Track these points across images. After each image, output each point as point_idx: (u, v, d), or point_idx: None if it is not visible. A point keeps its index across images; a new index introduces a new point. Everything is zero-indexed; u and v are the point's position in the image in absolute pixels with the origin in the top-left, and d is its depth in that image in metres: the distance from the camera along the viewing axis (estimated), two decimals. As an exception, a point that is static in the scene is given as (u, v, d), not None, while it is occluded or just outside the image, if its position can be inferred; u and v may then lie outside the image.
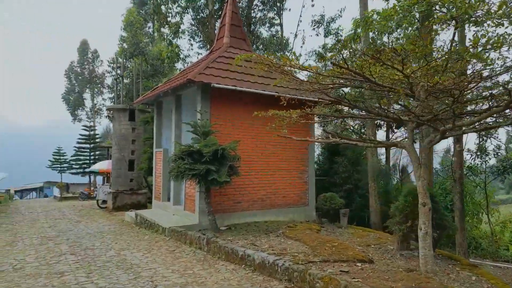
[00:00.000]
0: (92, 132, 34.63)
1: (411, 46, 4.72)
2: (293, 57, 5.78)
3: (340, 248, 6.60)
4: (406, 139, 7.10)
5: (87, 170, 22.10)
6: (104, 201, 17.79)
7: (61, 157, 35.40)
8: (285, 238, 8.33)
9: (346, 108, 8.35)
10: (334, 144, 14.20)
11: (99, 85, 45.63)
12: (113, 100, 18.07)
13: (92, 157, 34.56)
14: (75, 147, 34.73)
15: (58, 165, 35.10)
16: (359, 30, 12.05)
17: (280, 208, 11.22)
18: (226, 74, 10.14)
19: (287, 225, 10.22)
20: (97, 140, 35.72)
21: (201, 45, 17.84)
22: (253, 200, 10.71)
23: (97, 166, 19.87)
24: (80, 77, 44.99)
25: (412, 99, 6.07)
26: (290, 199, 11.49)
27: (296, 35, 17.01)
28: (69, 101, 44.26)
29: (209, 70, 9.86)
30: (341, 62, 5.03)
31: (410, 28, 12.43)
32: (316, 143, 14.69)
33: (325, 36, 16.00)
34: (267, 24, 18.33)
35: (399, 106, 7.09)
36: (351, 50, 5.49)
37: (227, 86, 9.70)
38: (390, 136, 16.35)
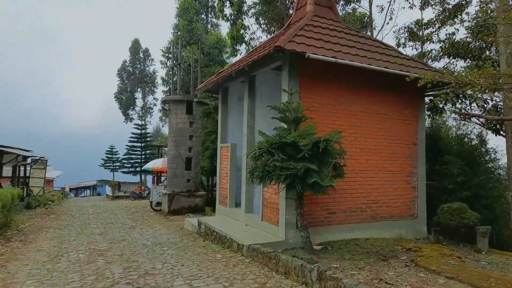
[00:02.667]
0: (143, 131, 34.04)
1: None
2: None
3: None
4: None
5: (142, 168, 20.79)
6: (158, 203, 16.12)
7: (114, 156, 35.08)
8: (424, 271, 5.73)
9: None
10: (439, 139, 11.32)
11: (150, 84, 45.38)
12: (167, 93, 16.45)
13: (143, 156, 33.93)
14: (127, 145, 34.30)
15: (111, 164, 34.79)
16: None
17: (383, 221, 8.59)
18: (320, 44, 7.72)
19: (401, 245, 7.61)
20: (148, 139, 35.10)
21: (266, 28, 15.58)
22: (351, 211, 8.18)
23: (151, 165, 18.35)
24: (132, 77, 44.96)
25: None
26: (396, 209, 8.81)
27: (382, 8, 14.20)
28: (121, 101, 44.31)
29: (299, 39, 7.49)
30: None
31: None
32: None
33: (422, 8, 13.02)
34: (341, 2, 15.69)
35: None
36: None
37: (326, 57, 7.26)
38: None
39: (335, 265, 6.05)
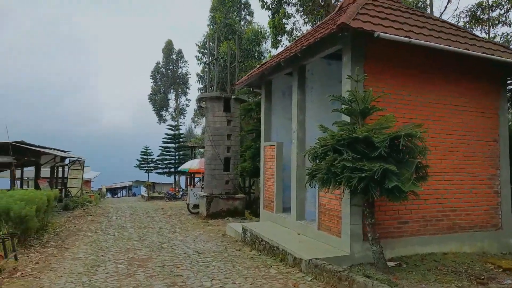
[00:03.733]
0: (176, 132, 33.87)
1: None
2: None
3: None
4: None
5: (178, 169, 20.22)
6: (195, 206, 15.47)
7: (148, 157, 35.18)
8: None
9: None
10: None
11: (183, 85, 45.43)
12: (202, 90, 15.75)
13: (177, 157, 33.72)
14: (161, 146, 34.28)
15: (146, 165, 34.90)
16: None
17: (462, 232, 7.29)
18: (387, 24, 6.59)
19: (491, 262, 6.35)
20: (181, 139, 34.92)
21: (310, 18, 14.38)
22: (425, 220, 6.96)
23: (187, 165, 17.73)
24: (164, 78, 45.17)
25: None
26: (476, 218, 7.47)
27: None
28: (155, 102, 44.62)
29: (363, 17, 6.40)
30: None
31: None
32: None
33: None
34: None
35: None
36: None
37: (398, 37, 6.13)
38: None
39: (421, 289, 4.92)
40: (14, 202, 7.74)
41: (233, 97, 13.86)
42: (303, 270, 6.02)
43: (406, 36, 6.23)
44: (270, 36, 14.44)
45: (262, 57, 16.86)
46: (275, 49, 14.36)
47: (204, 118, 15.05)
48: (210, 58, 14.44)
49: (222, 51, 15.22)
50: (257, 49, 17.02)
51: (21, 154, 13.59)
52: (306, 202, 8.39)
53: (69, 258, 7.36)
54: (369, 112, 5.83)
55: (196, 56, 17.60)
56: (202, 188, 15.49)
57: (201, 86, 17.70)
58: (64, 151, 19.63)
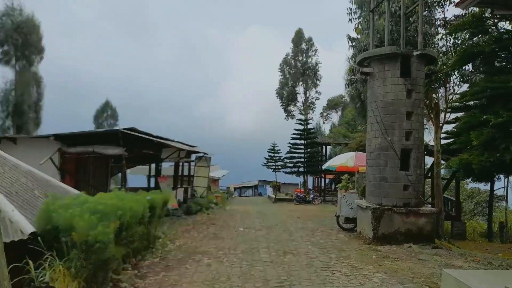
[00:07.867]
0: (306, 126, 30.64)
1: None
2: None
3: None
4: None
5: (323, 167, 16.34)
6: (348, 219, 10.92)
7: (276, 154, 32.42)
8: None
9: None
10: None
11: (313, 76, 41.60)
12: (356, 56, 11.00)
13: (306, 155, 30.36)
14: (289, 143, 31.41)
15: (273, 163, 32.24)
16: None
17: None
18: None
19: None
20: (311, 135, 31.61)
21: None
22: None
23: (336, 161, 13.14)
24: (293, 70, 42.01)
25: None
26: None
27: None
28: (282, 96, 41.87)
29: None
30: None
31: None
32: None
33: None
34: None
35: None
36: None
37: None
38: None
39: None
40: (81, 215, 4.45)
41: (415, 53, 8.75)
42: None
43: None
44: None
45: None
46: None
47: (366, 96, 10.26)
48: (374, 3, 9.52)
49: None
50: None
51: (137, 146, 11.18)
52: None
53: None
54: None
55: (349, 9, 12.68)
56: (360, 195, 10.76)
57: (355, 51, 12.83)
58: (189, 145, 17.36)
